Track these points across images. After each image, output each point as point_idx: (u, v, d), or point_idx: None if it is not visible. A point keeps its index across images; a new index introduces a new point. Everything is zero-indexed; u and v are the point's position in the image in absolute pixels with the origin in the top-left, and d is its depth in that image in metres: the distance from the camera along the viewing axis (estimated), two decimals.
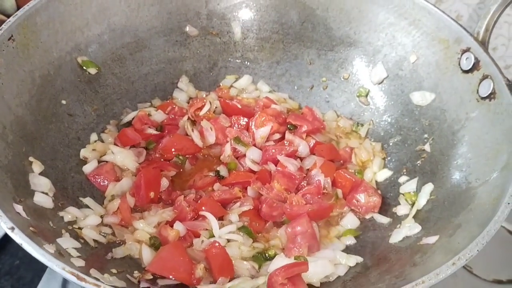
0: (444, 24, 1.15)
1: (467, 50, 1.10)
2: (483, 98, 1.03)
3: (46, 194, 0.95)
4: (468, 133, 1.04)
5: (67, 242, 0.85)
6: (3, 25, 1.01)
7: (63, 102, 1.13)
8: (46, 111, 1.08)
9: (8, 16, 1.69)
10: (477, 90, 1.05)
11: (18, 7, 1.68)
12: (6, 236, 1.17)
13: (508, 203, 0.78)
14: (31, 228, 0.79)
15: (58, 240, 0.84)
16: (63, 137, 1.10)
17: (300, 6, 1.35)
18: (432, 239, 0.90)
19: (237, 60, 1.40)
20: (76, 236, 0.91)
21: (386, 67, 1.27)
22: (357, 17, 1.30)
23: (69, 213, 0.95)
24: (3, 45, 0.98)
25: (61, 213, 0.94)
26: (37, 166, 0.97)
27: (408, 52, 1.23)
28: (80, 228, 0.94)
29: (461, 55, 1.11)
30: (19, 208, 0.81)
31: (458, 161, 1.03)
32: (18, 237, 0.70)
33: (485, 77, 1.04)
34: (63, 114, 1.12)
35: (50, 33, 1.11)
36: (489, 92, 1.02)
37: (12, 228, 0.70)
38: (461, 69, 1.10)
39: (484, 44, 1.09)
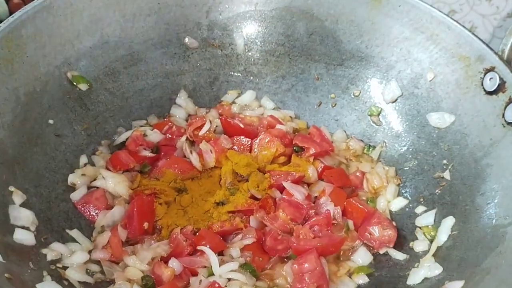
0: (465, 40, 1.06)
1: (491, 69, 1.01)
2: (510, 124, 0.94)
3: (28, 228, 0.86)
4: (493, 161, 0.96)
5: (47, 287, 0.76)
6: None
7: (50, 121, 1.04)
8: (30, 132, 0.99)
9: (0, 21, 1.62)
10: (503, 114, 0.96)
11: (11, 13, 1.60)
12: None
13: None
14: (6, 275, 0.70)
15: (38, 286, 0.74)
16: (49, 160, 1.01)
17: (308, 17, 1.26)
18: (456, 285, 0.81)
19: (240, 74, 1.31)
20: (59, 277, 0.83)
21: (401, 85, 1.18)
22: (369, 30, 1.21)
23: (53, 250, 0.87)
24: None
25: (44, 251, 0.86)
26: (18, 196, 0.89)
27: (424, 69, 1.14)
28: (64, 268, 0.85)
29: (484, 75, 1.02)
30: None
31: (482, 192, 0.94)
32: None
33: (511, 100, 0.95)
34: (50, 135, 1.04)
35: (37, 47, 1.03)
36: None
37: None
38: (485, 90, 1.01)
39: (510, 63, 1.00)
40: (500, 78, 0.98)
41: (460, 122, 1.06)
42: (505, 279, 0.73)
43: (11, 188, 0.88)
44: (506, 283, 0.72)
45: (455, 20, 1.09)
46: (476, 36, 1.05)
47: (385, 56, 1.20)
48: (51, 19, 1.04)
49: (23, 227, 0.85)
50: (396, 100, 1.19)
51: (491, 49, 1.02)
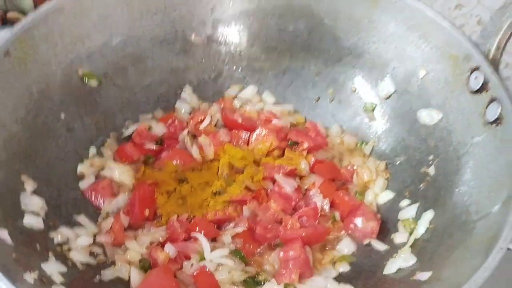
0: (454, 39, 1.09)
1: (476, 68, 1.04)
2: (490, 123, 0.98)
3: (37, 214, 0.95)
4: (472, 159, 1.00)
5: (51, 267, 0.86)
6: None
7: (62, 116, 1.13)
8: (42, 127, 1.08)
9: (25, 13, 1.71)
10: (484, 113, 1.00)
11: (35, 6, 1.69)
12: None
13: (501, 248, 0.74)
14: (13, 255, 0.79)
15: (43, 265, 0.84)
16: (60, 152, 1.10)
17: (308, 15, 1.30)
18: (424, 276, 0.87)
19: (242, 70, 1.37)
20: (63, 258, 0.92)
21: (395, 81, 1.22)
22: (366, 27, 1.25)
23: (60, 234, 0.96)
24: None
25: (51, 234, 0.95)
26: (29, 185, 0.98)
27: (417, 66, 1.18)
28: (69, 250, 0.94)
29: (470, 74, 1.05)
30: (4, 233, 0.82)
31: (461, 188, 0.98)
32: None
33: (492, 99, 0.98)
34: (61, 128, 1.12)
35: (49, 46, 1.10)
36: (495, 117, 0.96)
37: None
38: (470, 89, 1.05)
39: (494, 63, 1.03)
40: (485, 78, 1.01)
41: (447, 119, 1.10)
42: (464, 274, 0.77)
43: (23, 177, 0.97)
44: (464, 273, 0.76)
45: (446, 19, 1.11)
46: (465, 36, 1.08)
47: (381, 53, 1.24)
48: (62, 19, 1.11)
49: (32, 213, 0.94)
50: (390, 96, 1.23)
51: (478, 48, 1.05)
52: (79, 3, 1.14)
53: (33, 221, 0.92)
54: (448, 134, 1.08)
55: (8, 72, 1.00)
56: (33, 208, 0.95)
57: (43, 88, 1.09)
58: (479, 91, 1.02)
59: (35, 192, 0.98)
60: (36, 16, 1.07)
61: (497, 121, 0.95)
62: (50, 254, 0.90)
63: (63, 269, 0.88)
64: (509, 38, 1.03)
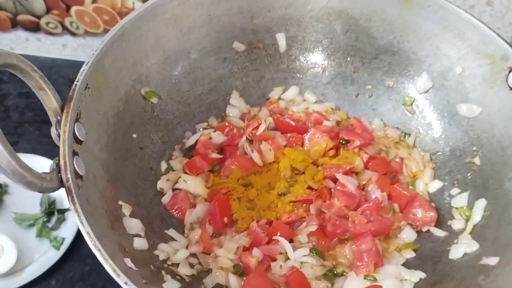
0: (490, 39, 1.19)
1: None
2: None
3: (140, 235, 1.04)
4: None
5: (171, 285, 0.96)
6: (78, 76, 1.06)
7: (134, 136, 1.20)
8: (121, 149, 1.15)
9: (38, 17, 1.73)
10: None
11: (48, 9, 1.72)
12: (73, 242, 1.28)
13: None
14: (143, 281, 0.89)
15: (164, 286, 0.94)
16: (139, 171, 1.18)
17: (343, 16, 1.38)
18: (492, 261, 1.00)
19: (283, 71, 1.45)
20: (173, 274, 1.02)
21: (431, 77, 1.33)
22: (400, 27, 1.34)
23: (162, 251, 1.05)
24: (82, 95, 1.04)
25: (156, 252, 1.04)
26: (126, 208, 1.06)
27: (453, 63, 1.28)
28: (174, 265, 1.04)
29: (509, 73, 1.16)
30: (128, 261, 0.91)
31: (510, 178, 1.11)
32: None
33: None
34: (135, 148, 1.20)
35: (116, 72, 1.16)
36: None
37: None
38: (509, 87, 1.16)
39: None
40: None
41: (487, 113, 1.21)
42: None
43: (120, 202, 1.06)
44: None
45: (480, 20, 1.21)
46: (500, 36, 1.18)
47: (416, 51, 1.34)
48: (124, 45, 1.17)
49: (137, 235, 1.03)
50: (428, 91, 1.34)
51: None
52: (137, 27, 1.19)
53: (140, 244, 1.01)
54: (490, 127, 1.19)
55: (89, 104, 1.06)
56: (136, 231, 1.03)
57: (116, 112, 1.16)
58: None
59: (132, 214, 1.06)
60: (104, 46, 1.12)
61: None
62: (163, 272, 0.99)
63: (178, 285, 0.98)
64: None
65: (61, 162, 0.91)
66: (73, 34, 1.80)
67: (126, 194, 1.09)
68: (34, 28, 1.81)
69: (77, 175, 0.94)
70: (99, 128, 1.09)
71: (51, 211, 1.40)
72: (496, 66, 1.19)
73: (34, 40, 1.86)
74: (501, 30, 1.64)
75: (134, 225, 1.04)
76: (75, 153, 0.96)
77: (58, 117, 0.99)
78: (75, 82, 1.03)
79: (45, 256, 1.32)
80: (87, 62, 1.08)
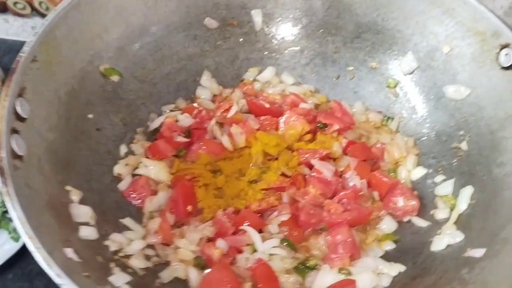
0: (481, 15, 1.10)
1: (507, 45, 1.05)
2: None
3: (89, 224, 0.94)
4: (508, 135, 1.03)
5: (119, 279, 0.86)
6: (24, 47, 0.96)
7: (90, 116, 1.10)
8: (74, 130, 1.05)
9: None
10: None
11: None
12: None
13: None
14: (84, 274, 0.79)
15: (110, 279, 0.84)
16: (94, 154, 1.08)
17: None
18: (478, 252, 0.91)
19: (259, 51, 1.36)
20: (124, 266, 0.92)
21: (417, 57, 1.23)
22: (384, 3, 1.24)
23: (114, 241, 0.95)
24: (27, 69, 0.94)
25: (106, 242, 0.94)
26: (75, 194, 0.96)
27: (440, 42, 1.19)
28: (126, 256, 0.94)
29: (500, 50, 1.07)
30: (69, 252, 0.81)
31: (499, 164, 1.02)
32: None
33: None
34: (91, 129, 1.10)
35: (70, 45, 1.06)
36: None
37: None
38: (500, 65, 1.07)
39: None
40: None
41: (476, 94, 1.12)
42: None
43: (68, 188, 0.96)
44: None
45: None
46: (492, 12, 1.09)
47: (401, 29, 1.24)
48: (80, 16, 1.07)
49: (85, 223, 0.93)
50: (413, 72, 1.25)
51: (507, 25, 1.06)
52: None
53: (88, 232, 0.91)
54: (478, 110, 1.10)
55: (37, 79, 0.96)
56: (84, 219, 0.94)
57: (69, 90, 1.06)
58: (510, 67, 1.04)
59: (81, 201, 0.96)
60: (56, 15, 1.02)
61: None
62: (112, 265, 0.90)
63: (128, 278, 0.88)
64: None
65: None
66: (43, 15, 1.69)
67: (77, 179, 0.99)
68: (1, 8, 1.70)
69: (15, 155, 0.84)
70: (49, 106, 0.99)
71: None
72: (486, 44, 1.10)
73: (1, 22, 1.75)
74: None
75: (82, 212, 0.94)
76: (14, 131, 0.86)
77: None
78: (20, 54, 0.93)
79: (3, 248, 1.21)
80: (35, 33, 0.98)
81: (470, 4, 1.11)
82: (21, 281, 1.17)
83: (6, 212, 1.25)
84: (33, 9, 1.66)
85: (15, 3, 1.67)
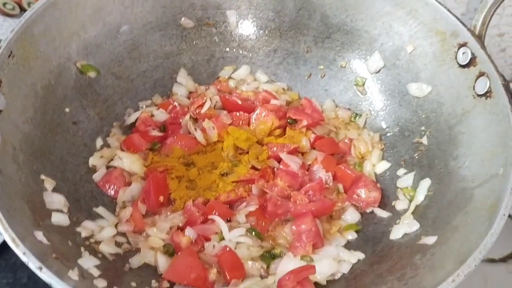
0: (441, 16, 1.15)
1: (464, 44, 1.11)
2: (480, 96, 1.06)
3: (61, 211, 0.98)
4: (464, 129, 1.08)
5: (87, 262, 0.90)
6: (1, 43, 1.00)
7: (67, 110, 1.14)
8: (51, 123, 1.09)
9: None
10: (474, 87, 1.08)
11: None
12: None
13: (504, 215, 0.83)
14: (53, 255, 0.83)
15: (79, 261, 0.88)
16: (70, 146, 1.12)
17: None
18: (430, 240, 0.96)
19: (234, 50, 1.40)
20: (94, 251, 0.96)
21: (383, 56, 1.29)
22: (353, 4, 1.30)
23: (85, 228, 0.99)
24: (3, 63, 0.98)
25: (78, 229, 0.98)
26: (49, 183, 1.00)
27: (405, 42, 1.24)
28: (97, 243, 0.99)
29: (458, 49, 1.12)
30: (39, 235, 0.85)
31: (455, 157, 1.07)
32: (47, 277, 0.74)
33: (481, 74, 1.06)
34: (68, 122, 1.14)
35: (48, 42, 1.10)
36: (485, 90, 1.04)
37: (40, 268, 0.74)
38: (458, 63, 1.12)
39: (480, 38, 1.11)
40: (472, 53, 1.09)
41: (437, 92, 1.17)
42: (469, 236, 0.87)
43: (42, 176, 1.00)
44: (469, 239, 0.86)
45: None
46: (451, 13, 1.14)
47: (369, 30, 1.30)
48: (58, 14, 1.11)
49: (57, 210, 0.97)
50: (379, 70, 1.30)
51: (464, 25, 1.12)
52: None
53: (59, 219, 0.96)
54: (438, 106, 1.16)
55: (14, 73, 1.00)
56: (57, 206, 0.98)
57: (46, 85, 1.10)
58: (467, 65, 1.09)
59: (55, 189, 1.00)
60: (33, 13, 1.06)
61: (486, 94, 1.03)
62: (82, 249, 0.94)
63: (97, 262, 0.92)
64: (493, 14, 1.10)
65: None
66: None
67: (51, 169, 1.04)
68: None
69: None
70: (25, 100, 1.03)
71: None
72: (446, 43, 1.16)
73: None
74: (465, 17, 1.61)
75: (56, 200, 0.98)
76: None
77: None
78: None
79: None
80: (13, 29, 1.02)
81: (431, 5, 1.16)
82: (5, 272, 1.21)
83: None
84: (22, 9, 1.70)
85: (4, 4, 1.70)
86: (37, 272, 0.73)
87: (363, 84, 1.32)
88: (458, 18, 1.13)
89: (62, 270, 0.81)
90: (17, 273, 1.21)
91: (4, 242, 1.20)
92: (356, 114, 1.32)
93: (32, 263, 0.74)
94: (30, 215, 0.89)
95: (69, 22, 1.15)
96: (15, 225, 0.79)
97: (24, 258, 0.74)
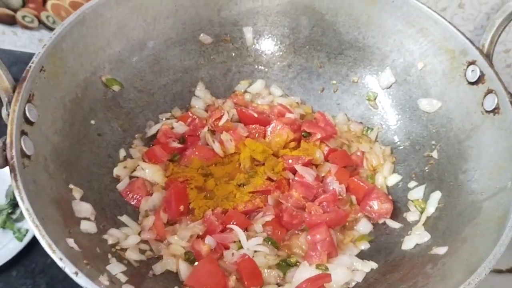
0: (450, 34, 1.20)
1: (473, 62, 1.16)
2: (488, 112, 1.10)
3: (89, 219, 1.03)
4: (473, 144, 1.12)
5: (115, 268, 0.95)
6: (33, 58, 1.06)
7: (92, 122, 1.20)
8: (78, 134, 1.15)
9: (14, 10, 1.73)
10: (482, 103, 1.12)
11: (24, 2, 1.71)
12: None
13: (511, 227, 0.88)
14: (84, 261, 0.88)
15: (108, 267, 0.93)
16: (95, 157, 1.18)
17: (310, 11, 1.39)
18: (441, 250, 1.00)
19: (250, 65, 1.46)
20: (120, 258, 1.01)
21: (394, 72, 1.34)
22: (365, 22, 1.35)
23: (112, 236, 1.04)
24: (36, 77, 1.03)
25: (104, 236, 1.03)
26: (77, 192, 1.05)
27: (415, 59, 1.29)
28: (122, 249, 1.03)
29: (467, 67, 1.17)
30: (71, 242, 0.90)
31: (464, 171, 1.11)
32: (83, 281, 0.78)
33: (489, 91, 1.11)
34: (93, 134, 1.19)
35: (75, 57, 1.16)
36: (493, 107, 1.09)
37: (76, 273, 0.79)
38: (467, 81, 1.17)
39: (488, 56, 1.15)
40: (480, 71, 1.13)
41: (447, 107, 1.22)
42: (478, 247, 0.92)
43: (71, 186, 1.05)
44: (479, 250, 0.90)
45: (442, 16, 1.22)
46: (460, 32, 1.19)
47: (380, 46, 1.35)
48: (85, 31, 1.17)
49: (85, 218, 1.02)
50: (391, 86, 1.35)
51: (473, 44, 1.17)
52: (100, 14, 1.19)
53: (88, 226, 1.00)
54: (448, 121, 1.20)
55: (44, 87, 1.05)
56: (85, 214, 1.03)
57: (74, 98, 1.15)
58: (476, 82, 1.14)
59: (82, 198, 1.05)
60: (63, 29, 1.12)
61: (495, 110, 1.08)
62: (110, 256, 0.98)
63: (123, 268, 0.97)
64: (500, 33, 1.15)
65: (7, 140, 0.91)
66: (50, 28, 1.79)
67: (79, 179, 1.09)
68: (10, 21, 1.79)
69: (24, 155, 0.93)
70: (54, 112, 1.09)
71: (16, 202, 1.38)
72: (455, 61, 1.20)
73: (10, 34, 1.85)
74: (473, 33, 1.66)
75: (84, 208, 1.03)
76: (23, 133, 0.96)
77: (10, 97, 0.98)
78: (30, 64, 1.03)
79: (7, 247, 1.30)
80: (44, 45, 1.08)
81: (441, 24, 1.21)
82: (24, 278, 1.26)
83: (11, 213, 1.34)
84: (41, 22, 1.75)
85: (23, 17, 1.76)
86: (73, 276, 0.78)
87: (375, 99, 1.37)
88: (467, 37, 1.18)
89: (94, 275, 0.85)
90: (36, 280, 1.26)
91: (23, 249, 1.27)
92: (368, 128, 1.36)
93: (69, 268, 0.78)
94: (62, 223, 0.94)
95: (95, 38, 1.20)
96: (50, 232, 0.84)
97: (61, 264, 0.79)
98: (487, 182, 1.04)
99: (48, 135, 1.05)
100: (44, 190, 0.95)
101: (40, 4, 1.71)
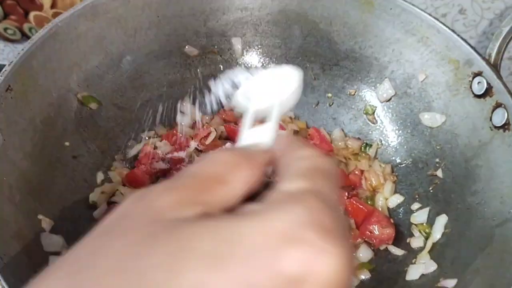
0: (454, 44, 1.11)
1: (479, 74, 1.07)
2: (497, 128, 1.01)
3: (60, 253, 0.93)
4: (482, 163, 1.03)
5: None
6: None
7: (66, 143, 1.10)
8: (50, 158, 1.05)
9: None
10: (491, 118, 1.03)
11: (5, 14, 1.63)
12: None
13: None
14: None
15: None
16: (70, 182, 1.08)
17: (303, 20, 1.30)
18: (450, 283, 0.90)
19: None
20: None
21: (394, 84, 1.24)
22: (362, 31, 1.26)
23: None
24: (1, 98, 0.94)
25: None
26: (46, 223, 0.96)
27: (416, 69, 1.20)
28: None
29: (473, 78, 1.08)
30: None
31: (473, 192, 1.02)
32: None
33: (498, 105, 1.02)
34: (67, 157, 1.10)
35: (47, 74, 1.06)
36: (503, 122, 0.99)
37: None
38: (473, 93, 1.08)
39: (496, 67, 1.06)
40: (488, 83, 1.04)
41: (451, 122, 1.13)
42: (493, 281, 0.82)
43: (40, 216, 0.95)
44: (494, 285, 0.81)
45: (444, 24, 1.13)
46: (465, 40, 1.10)
47: (378, 57, 1.26)
48: (58, 45, 1.08)
49: (55, 253, 0.92)
50: (390, 99, 1.26)
51: (479, 53, 1.07)
52: (74, 27, 1.10)
53: None
54: (453, 137, 1.11)
55: (11, 108, 0.97)
56: (55, 248, 0.93)
57: (46, 118, 1.06)
58: (483, 95, 1.05)
59: (53, 230, 0.96)
60: (32, 45, 1.03)
61: (505, 126, 0.98)
62: None
63: None
64: (508, 42, 1.06)
65: None
66: None
67: (49, 208, 0.99)
68: None
69: None
70: (23, 135, 0.99)
71: None
72: (460, 72, 1.11)
73: None
74: (474, 40, 1.58)
75: (54, 241, 0.94)
76: None
77: None
78: None
79: None
80: (11, 62, 0.99)
81: (443, 33, 1.12)
82: None
83: None
84: (24, 34, 1.67)
85: (5, 29, 1.68)
86: None
87: (373, 113, 1.28)
88: (472, 46, 1.09)
89: None
90: None
91: None
92: (366, 144, 1.27)
93: None
94: (27, 262, 0.84)
95: (69, 53, 1.11)
96: (9, 276, 0.74)
97: None
98: (498, 206, 0.94)
99: (15, 161, 0.95)
100: (7, 224, 0.86)
101: (22, 16, 1.65)
